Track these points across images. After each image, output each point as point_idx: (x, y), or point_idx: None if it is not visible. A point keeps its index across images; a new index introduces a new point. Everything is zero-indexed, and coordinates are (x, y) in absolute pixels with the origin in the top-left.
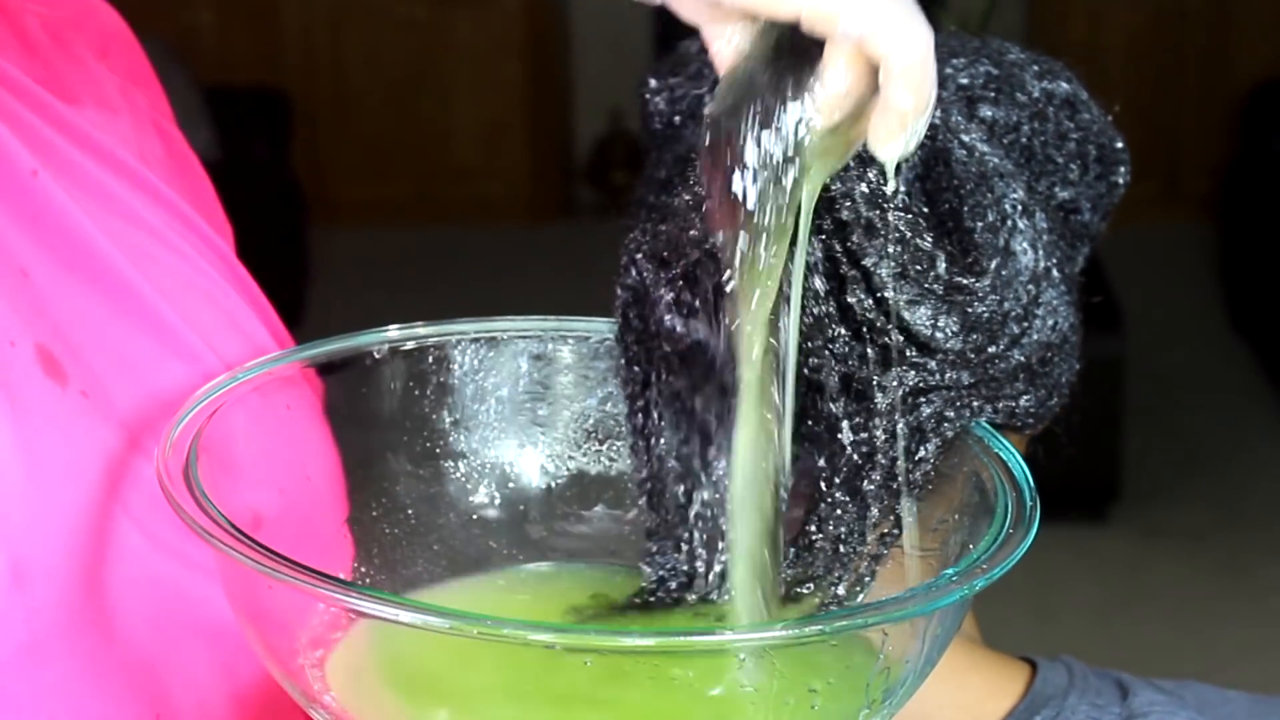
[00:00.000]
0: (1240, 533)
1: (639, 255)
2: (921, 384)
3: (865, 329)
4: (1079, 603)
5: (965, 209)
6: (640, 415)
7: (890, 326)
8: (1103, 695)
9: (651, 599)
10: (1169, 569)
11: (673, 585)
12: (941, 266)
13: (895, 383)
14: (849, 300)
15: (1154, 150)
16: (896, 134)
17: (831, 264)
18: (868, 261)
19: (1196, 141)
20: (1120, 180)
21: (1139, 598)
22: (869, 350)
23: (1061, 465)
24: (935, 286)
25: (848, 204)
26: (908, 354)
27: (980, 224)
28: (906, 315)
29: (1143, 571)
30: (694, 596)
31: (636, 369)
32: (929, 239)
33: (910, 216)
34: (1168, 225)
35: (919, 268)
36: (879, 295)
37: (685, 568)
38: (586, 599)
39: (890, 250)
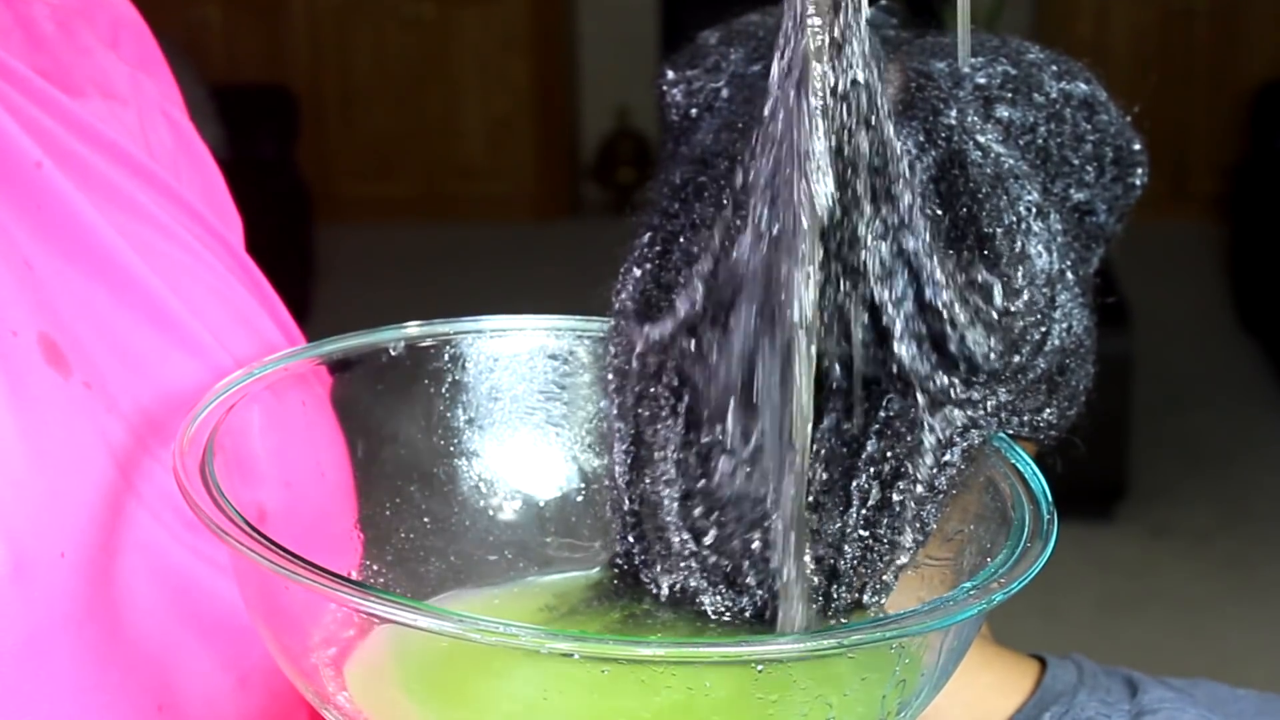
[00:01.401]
0: (1247, 531)
1: (639, 271)
2: (969, 421)
3: (908, 381)
4: (1085, 601)
5: (983, 213)
6: (620, 421)
7: (937, 373)
8: (1112, 692)
9: (606, 597)
10: (1176, 568)
11: (630, 581)
12: (998, 298)
13: (944, 424)
14: (896, 350)
15: (1162, 149)
16: None
17: (873, 315)
18: (938, 274)
19: (1204, 140)
20: (1137, 182)
21: (1145, 596)
22: (918, 397)
23: (1068, 464)
24: (991, 313)
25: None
26: (954, 393)
27: (999, 229)
28: (968, 335)
29: (1149, 570)
30: (665, 587)
31: (611, 376)
32: (984, 269)
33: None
34: (1176, 224)
35: (976, 295)
36: (936, 315)
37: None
38: (554, 599)
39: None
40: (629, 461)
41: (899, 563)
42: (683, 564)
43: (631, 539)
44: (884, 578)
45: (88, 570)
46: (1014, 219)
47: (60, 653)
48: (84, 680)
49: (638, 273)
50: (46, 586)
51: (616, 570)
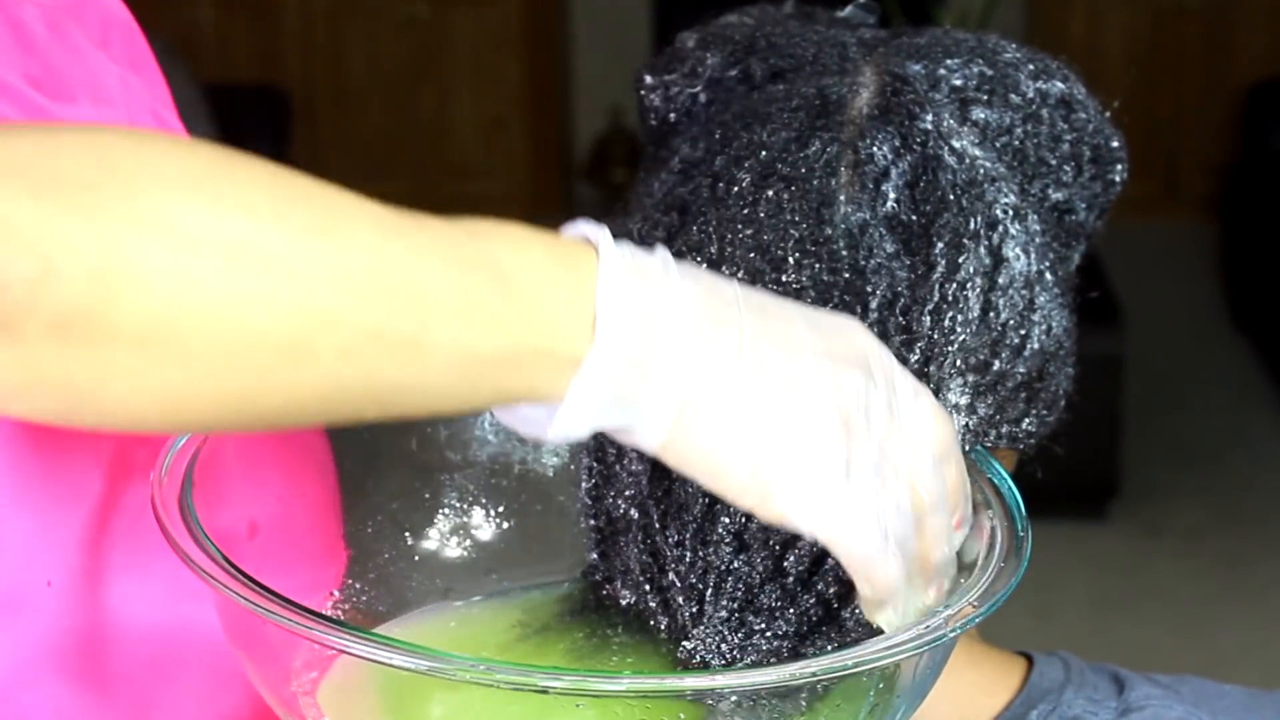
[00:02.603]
0: (1240, 531)
1: None
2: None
3: None
4: (1078, 600)
5: (935, 225)
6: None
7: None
8: (1099, 689)
9: (574, 613)
10: (1168, 567)
11: (600, 594)
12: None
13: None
14: None
15: (1154, 149)
16: (876, 611)
17: None
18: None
19: (1196, 140)
20: (1117, 179)
21: (1138, 595)
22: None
23: (1060, 463)
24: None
25: None
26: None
27: (941, 243)
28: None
29: (1142, 569)
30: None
31: None
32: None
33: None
34: (1168, 224)
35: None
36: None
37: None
38: (524, 615)
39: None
40: (594, 478)
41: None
42: (643, 583)
43: (596, 555)
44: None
45: (74, 599)
46: (988, 221)
47: (44, 684)
48: (65, 709)
49: None
50: (33, 617)
51: (588, 583)
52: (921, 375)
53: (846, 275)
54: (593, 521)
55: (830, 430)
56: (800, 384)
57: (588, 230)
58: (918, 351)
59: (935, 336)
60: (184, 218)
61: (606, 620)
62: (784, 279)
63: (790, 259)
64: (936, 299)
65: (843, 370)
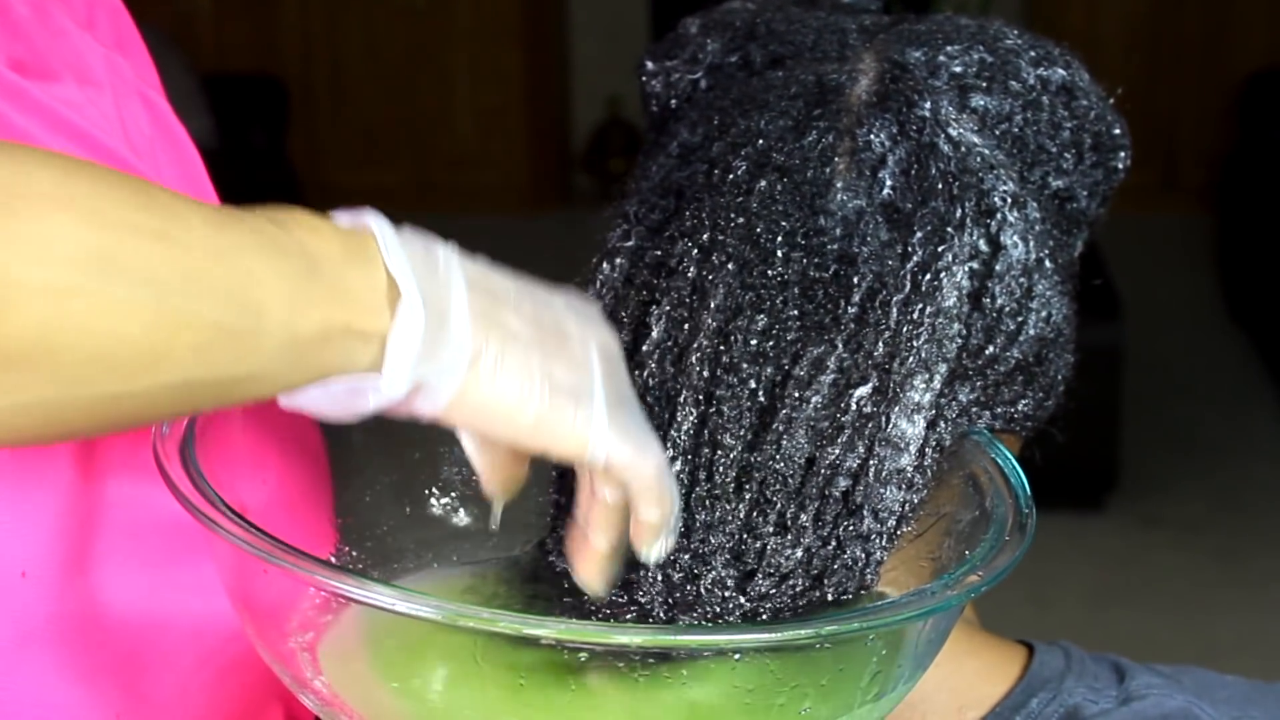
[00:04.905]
0: (1237, 522)
1: (608, 266)
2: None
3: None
4: (1075, 591)
5: (919, 214)
6: None
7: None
8: (1100, 678)
9: (524, 579)
10: (1166, 558)
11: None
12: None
13: (908, 424)
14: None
15: (1152, 140)
16: (652, 540)
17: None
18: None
19: (1194, 131)
20: (1119, 166)
21: (1135, 586)
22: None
23: (1059, 454)
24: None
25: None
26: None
27: (921, 233)
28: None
29: (1139, 560)
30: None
31: None
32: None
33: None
34: (1166, 215)
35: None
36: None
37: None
38: (472, 581)
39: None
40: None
41: (873, 557)
42: None
43: (551, 526)
44: (866, 575)
45: (51, 587)
46: (986, 208)
47: (29, 672)
48: (45, 697)
49: (607, 268)
50: (8, 607)
51: (539, 553)
52: (884, 370)
53: (833, 268)
54: (555, 495)
55: (597, 368)
56: (565, 330)
57: (360, 216)
58: (881, 345)
59: (902, 330)
60: (61, 234)
61: (553, 588)
62: (770, 272)
63: (779, 252)
64: (907, 289)
65: (593, 318)
